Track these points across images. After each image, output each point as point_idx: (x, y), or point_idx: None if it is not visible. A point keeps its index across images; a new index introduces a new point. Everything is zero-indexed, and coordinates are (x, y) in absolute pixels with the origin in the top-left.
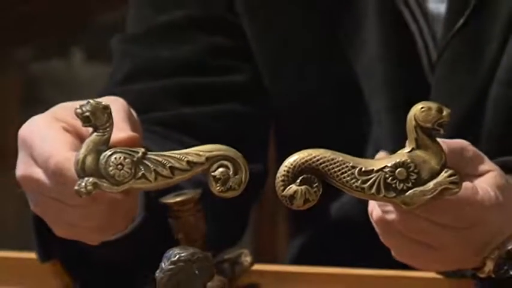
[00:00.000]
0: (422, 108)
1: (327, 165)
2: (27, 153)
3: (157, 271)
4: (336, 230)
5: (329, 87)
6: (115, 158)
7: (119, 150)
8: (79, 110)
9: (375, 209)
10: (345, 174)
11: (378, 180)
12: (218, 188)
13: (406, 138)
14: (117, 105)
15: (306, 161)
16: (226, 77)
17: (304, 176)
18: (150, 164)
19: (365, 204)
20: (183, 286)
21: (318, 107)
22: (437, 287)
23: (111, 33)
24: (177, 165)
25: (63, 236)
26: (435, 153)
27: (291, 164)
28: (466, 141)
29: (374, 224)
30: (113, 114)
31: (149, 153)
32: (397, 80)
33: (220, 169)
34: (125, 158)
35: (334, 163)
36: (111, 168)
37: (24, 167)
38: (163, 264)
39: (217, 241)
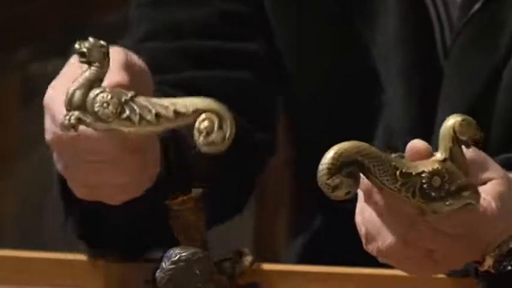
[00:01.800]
0: (463, 121)
1: (372, 161)
2: (51, 116)
3: (158, 271)
4: (341, 227)
5: (345, 71)
6: (102, 96)
7: (108, 90)
8: (77, 46)
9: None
10: (387, 173)
11: (415, 185)
12: (201, 140)
13: (417, 126)
14: (118, 54)
15: (355, 153)
16: (239, 43)
17: (351, 168)
18: (136, 107)
19: None
20: (183, 286)
21: (333, 90)
22: (442, 286)
23: (111, 33)
24: (163, 112)
25: (87, 198)
26: (463, 167)
27: (338, 154)
28: (473, 150)
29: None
30: (112, 61)
31: (138, 97)
32: (413, 65)
33: (205, 122)
34: (111, 98)
35: (379, 160)
36: (97, 105)
37: (50, 131)
38: (163, 264)
39: (221, 211)
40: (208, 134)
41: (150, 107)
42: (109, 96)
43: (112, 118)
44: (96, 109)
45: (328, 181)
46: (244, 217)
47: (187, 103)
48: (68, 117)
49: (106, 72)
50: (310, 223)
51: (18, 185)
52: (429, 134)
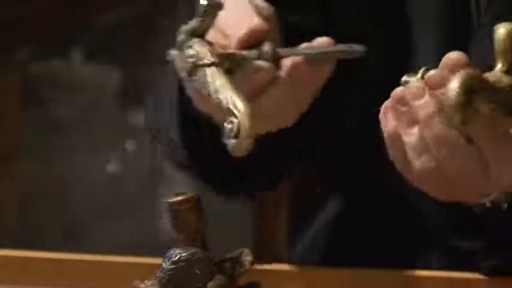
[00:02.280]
0: None
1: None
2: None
3: (159, 271)
4: (342, 227)
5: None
6: None
7: None
8: None
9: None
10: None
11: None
12: None
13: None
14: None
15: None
16: None
17: (474, 95)
18: None
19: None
20: (184, 286)
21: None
22: (444, 286)
23: (111, 33)
24: None
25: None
26: None
27: (468, 78)
28: None
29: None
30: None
31: None
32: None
33: None
34: None
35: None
36: None
37: None
38: (164, 264)
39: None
40: None
41: None
42: None
43: None
44: None
45: (455, 102)
46: (244, 217)
47: None
48: None
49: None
50: (311, 223)
51: (18, 185)
52: None
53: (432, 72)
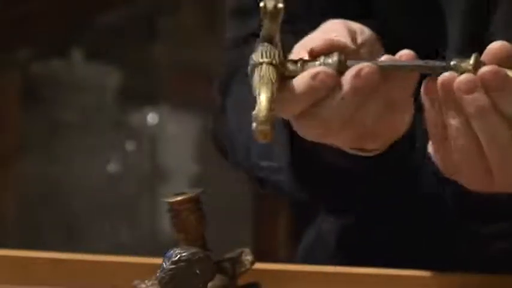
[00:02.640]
0: None
1: None
2: None
3: (159, 271)
4: (344, 227)
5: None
6: None
7: None
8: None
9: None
10: None
11: None
12: None
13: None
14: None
15: None
16: None
17: None
18: None
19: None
20: (184, 286)
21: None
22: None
23: (111, 33)
24: None
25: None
26: None
27: None
28: None
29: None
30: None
31: None
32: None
33: None
34: None
35: None
36: None
37: None
38: (164, 264)
39: None
40: None
41: None
42: None
43: None
44: None
45: None
46: (244, 217)
47: None
48: None
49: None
50: (312, 223)
51: (18, 185)
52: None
53: (487, 68)
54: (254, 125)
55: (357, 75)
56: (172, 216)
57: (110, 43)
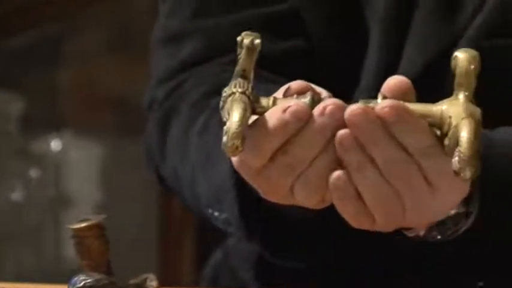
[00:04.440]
0: (474, 55)
1: None
2: None
3: None
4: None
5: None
6: None
7: None
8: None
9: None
10: None
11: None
12: None
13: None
14: None
15: None
16: (288, 3)
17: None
18: None
19: None
20: None
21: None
22: None
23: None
24: None
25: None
26: None
27: (477, 125)
28: None
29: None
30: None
31: None
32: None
33: None
34: None
35: None
36: None
37: None
38: None
39: None
40: None
41: None
42: None
43: None
44: None
45: None
46: (149, 242)
47: None
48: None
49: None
50: (219, 246)
51: None
52: None
53: (385, 103)
54: (225, 138)
55: (321, 113)
56: (77, 243)
57: (12, 69)
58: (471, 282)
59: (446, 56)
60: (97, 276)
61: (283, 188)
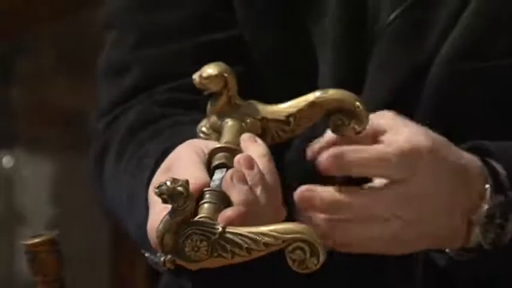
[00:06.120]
0: None
1: None
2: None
3: None
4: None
5: (283, 49)
6: (191, 240)
7: (196, 231)
8: (157, 191)
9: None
10: None
11: None
12: (295, 267)
13: None
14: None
15: None
16: (228, 31)
17: None
18: (226, 245)
19: None
20: None
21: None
22: None
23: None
24: (253, 246)
25: None
26: None
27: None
28: None
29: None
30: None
31: (226, 230)
32: (344, 43)
33: (298, 251)
34: (201, 241)
35: None
36: (187, 249)
37: None
38: None
39: None
40: (301, 262)
41: (240, 242)
42: (198, 240)
43: (204, 258)
44: (187, 253)
45: None
46: (102, 258)
47: (276, 234)
48: (162, 259)
49: (191, 209)
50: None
51: None
52: None
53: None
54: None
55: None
56: (30, 259)
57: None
58: None
59: (417, 81)
60: None
61: None
